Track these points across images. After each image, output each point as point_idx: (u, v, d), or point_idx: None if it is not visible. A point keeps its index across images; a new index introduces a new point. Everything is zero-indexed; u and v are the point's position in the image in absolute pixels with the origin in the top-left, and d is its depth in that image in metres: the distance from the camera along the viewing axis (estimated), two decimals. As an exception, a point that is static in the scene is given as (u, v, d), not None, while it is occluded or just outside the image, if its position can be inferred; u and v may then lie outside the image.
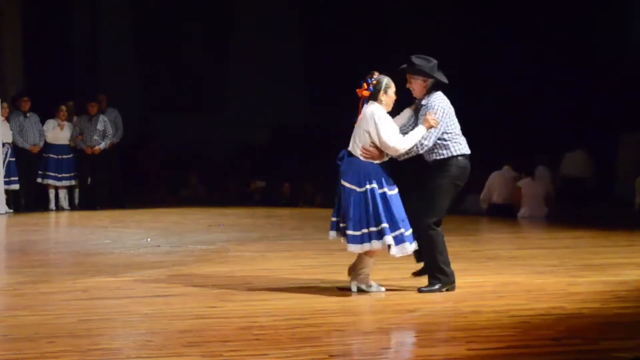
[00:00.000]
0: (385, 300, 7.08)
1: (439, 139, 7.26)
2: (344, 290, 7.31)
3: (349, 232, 7.03)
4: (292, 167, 18.13)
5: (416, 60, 7.33)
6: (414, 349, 5.72)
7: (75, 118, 15.73)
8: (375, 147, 7.09)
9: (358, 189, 7.05)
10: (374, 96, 7.14)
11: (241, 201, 17.06)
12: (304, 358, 5.20)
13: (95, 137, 15.49)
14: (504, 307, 6.69)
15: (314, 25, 20.24)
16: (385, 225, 6.98)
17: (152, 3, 20.29)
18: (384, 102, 7.16)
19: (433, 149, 7.31)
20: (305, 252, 9.96)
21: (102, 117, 15.59)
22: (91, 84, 18.64)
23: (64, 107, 15.62)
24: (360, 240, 7.02)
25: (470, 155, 7.41)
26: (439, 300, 6.97)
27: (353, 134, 7.20)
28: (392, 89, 7.20)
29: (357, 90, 7.21)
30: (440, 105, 7.28)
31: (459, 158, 7.33)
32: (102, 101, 16.01)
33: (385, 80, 7.18)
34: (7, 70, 17.19)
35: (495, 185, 14.68)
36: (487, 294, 7.30)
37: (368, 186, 7.04)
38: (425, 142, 7.20)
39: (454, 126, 7.34)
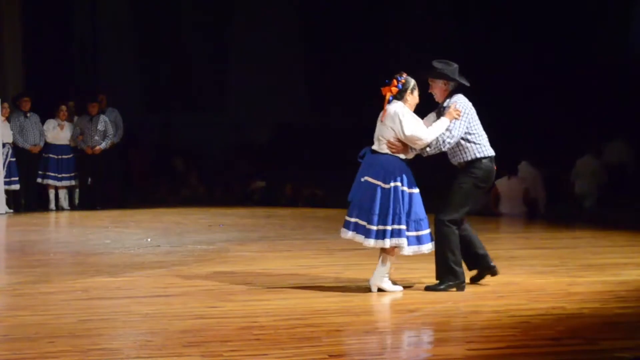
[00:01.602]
0: (386, 300, 7.08)
1: (462, 139, 7.30)
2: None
3: (370, 226, 7.10)
4: (293, 167, 18.11)
5: (437, 64, 7.42)
6: (413, 348, 5.72)
7: (75, 118, 15.73)
8: (400, 141, 7.18)
9: (384, 185, 7.13)
10: (401, 95, 7.28)
11: (241, 201, 17.05)
12: (304, 358, 5.20)
13: (96, 138, 15.49)
14: (503, 307, 6.70)
15: (314, 24, 20.23)
16: (402, 226, 7.08)
17: (152, 3, 20.28)
18: (409, 102, 7.30)
19: (456, 152, 7.38)
20: (305, 252, 9.95)
21: (102, 117, 15.59)
22: (91, 84, 18.63)
23: (64, 107, 15.61)
24: (376, 236, 7.11)
25: (495, 156, 7.47)
26: (439, 300, 6.97)
27: (376, 132, 7.30)
28: (417, 91, 7.36)
29: (383, 88, 7.31)
30: (461, 104, 7.33)
31: (484, 160, 7.39)
32: (102, 101, 16.01)
33: (413, 81, 7.34)
34: (7, 70, 17.17)
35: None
36: (487, 294, 7.31)
37: (393, 184, 7.13)
38: (448, 140, 7.25)
39: (477, 127, 7.40)
